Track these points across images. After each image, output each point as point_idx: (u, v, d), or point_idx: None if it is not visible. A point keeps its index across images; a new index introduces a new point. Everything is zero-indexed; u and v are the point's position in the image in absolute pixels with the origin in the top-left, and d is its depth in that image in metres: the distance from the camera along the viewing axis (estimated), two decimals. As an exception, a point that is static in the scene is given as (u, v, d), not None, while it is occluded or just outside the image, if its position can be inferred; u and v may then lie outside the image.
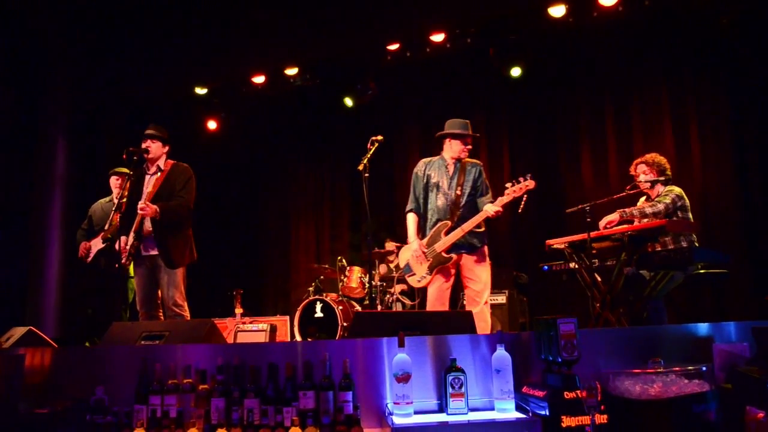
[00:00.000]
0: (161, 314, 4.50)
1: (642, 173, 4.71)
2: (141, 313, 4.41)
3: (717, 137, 6.39)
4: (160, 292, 4.43)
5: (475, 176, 4.39)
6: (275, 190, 8.86)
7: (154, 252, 4.32)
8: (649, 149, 5.44)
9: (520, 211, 4.18)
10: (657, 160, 4.69)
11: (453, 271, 4.34)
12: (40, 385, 3.07)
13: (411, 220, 4.50)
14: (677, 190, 4.58)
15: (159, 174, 4.46)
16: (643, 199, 4.85)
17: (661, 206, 4.42)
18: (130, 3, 7.18)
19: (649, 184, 4.65)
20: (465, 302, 4.40)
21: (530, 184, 4.14)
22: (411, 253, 4.42)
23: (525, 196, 4.17)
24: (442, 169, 4.44)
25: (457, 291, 5.04)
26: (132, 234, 4.32)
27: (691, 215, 4.54)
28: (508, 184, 4.23)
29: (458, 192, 4.32)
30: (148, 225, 4.31)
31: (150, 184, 4.46)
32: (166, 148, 4.57)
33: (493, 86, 7.54)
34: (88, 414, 2.72)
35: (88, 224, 5.54)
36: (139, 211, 4.23)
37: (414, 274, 4.43)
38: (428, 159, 4.55)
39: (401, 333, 2.70)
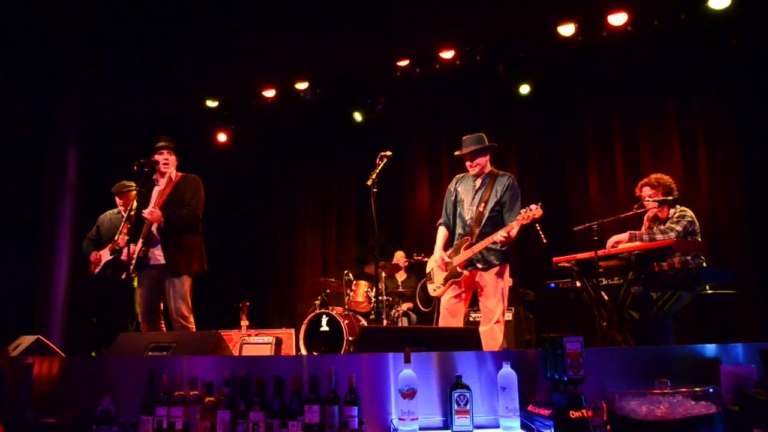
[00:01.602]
0: (163, 326, 4.52)
1: (647, 195, 4.68)
2: (143, 324, 4.42)
3: (725, 156, 6.39)
4: (163, 304, 4.45)
5: (501, 191, 4.34)
6: (283, 203, 8.90)
7: (161, 261, 4.36)
8: (657, 168, 5.45)
9: (545, 241, 4.12)
10: (662, 181, 4.66)
11: (465, 287, 4.34)
12: (47, 394, 3.09)
13: (440, 233, 4.57)
14: (689, 214, 4.53)
15: (169, 184, 4.52)
16: (649, 214, 4.80)
17: (673, 234, 4.37)
18: (143, 17, 7.28)
19: (656, 205, 4.63)
20: (480, 319, 4.39)
21: (537, 213, 4.07)
22: (434, 263, 4.48)
23: (538, 225, 4.14)
24: (469, 185, 4.47)
25: (472, 306, 5.04)
26: (140, 240, 4.37)
27: (699, 237, 4.53)
28: (523, 210, 4.18)
29: (481, 208, 4.31)
30: (156, 233, 4.35)
31: (159, 193, 4.52)
32: (176, 157, 4.65)
33: (502, 103, 7.57)
34: (95, 424, 2.73)
35: (96, 234, 5.58)
36: (146, 216, 4.29)
37: (433, 282, 4.51)
38: (461, 175, 4.59)
39: (407, 349, 2.70)
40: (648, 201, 4.66)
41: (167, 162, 4.56)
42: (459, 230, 4.42)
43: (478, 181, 4.44)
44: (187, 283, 4.37)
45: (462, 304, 4.36)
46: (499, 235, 4.09)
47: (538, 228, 4.14)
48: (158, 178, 4.63)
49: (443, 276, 4.38)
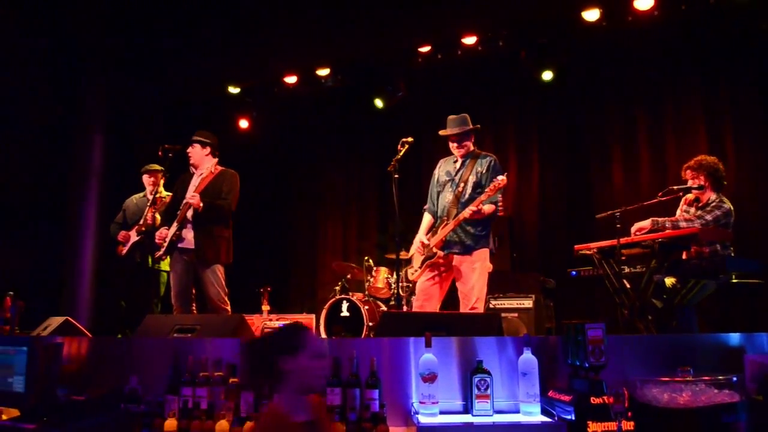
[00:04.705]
0: (194, 309, 4.63)
1: (689, 179, 4.50)
2: (175, 306, 4.52)
3: (753, 143, 6.26)
4: (195, 289, 4.54)
5: (482, 170, 4.27)
6: (304, 189, 8.94)
7: (190, 247, 4.45)
8: (682, 155, 5.35)
9: (500, 214, 4.13)
10: (704, 163, 4.44)
11: (443, 269, 4.28)
12: (76, 373, 3.18)
13: (425, 218, 4.53)
14: (727, 205, 4.36)
15: (208, 175, 4.61)
16: (689, 197, 4.58)
17: (698, 223, 4.23)
18: (167, 3, 7.33)
19: (681, 193, 4.51)
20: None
21: (502, 183, 3.99)
22: (413, 246, 4.45)
23: (500, 195, 4.10)
24: (450, 166, 4.43)
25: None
26: (175, 224, 4.48)
27: (731, 231, 4.40)
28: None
29: (460, 188, 4.27)
30: (190, 219, 4.45)
31: (198, 182, 4.61)
32: (207, 150, 4.69)
33: (524, 89, 7.49)
34: (123, 402, 2.80)
35: (122, 218, 5.68)
36: (189, 200, 4.39)
37: (412, 266, 4.49)
38: (446, 158, 4.54)
39: (428, 333, 2.72)
40: (689, 186, 4.43)
41: (190, 154, 4.66)
42: (440, 213, 4.38)
43: (458, 163, 4.39)
44: (220, 271, 4.48)
45: (437, 288, 4.28)
46: (468, 210, 4.04)
47: (500, 199, 4.11)
48: (195, 166, 4.72)
49: (421, 259, 4.35)
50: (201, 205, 4.37)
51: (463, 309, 4.15)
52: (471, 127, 4.35)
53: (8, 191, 6.90)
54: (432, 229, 4.40)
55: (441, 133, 4.41)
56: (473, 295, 4.13)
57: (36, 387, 2.56)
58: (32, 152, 7.12)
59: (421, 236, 4.41)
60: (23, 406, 2.62)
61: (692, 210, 4.50)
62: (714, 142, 6.45)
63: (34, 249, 7.08)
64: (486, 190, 4.05)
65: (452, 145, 4.38)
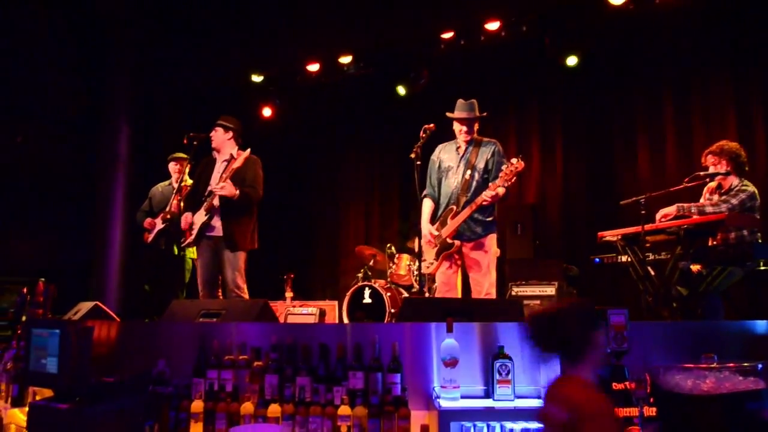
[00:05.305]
0: (221, 295, 4.70)
1: (711, 165, 4.45)
2: (202, 292, 4.60)
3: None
4: (221, 275, 4.62)
5: (488, 157, 4.26)
6: (326, 176, 8.98)
7: (219, 234, 4.50)
8: (710, 140, 5.24)
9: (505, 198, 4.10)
10: (726, 148, 4.40)
11: (456, 257, 4.28)
12: (106, 356, 3.28)
13: (426, 205, 4.44)
14: (752, 189, 4.31)
15: (232, 160, 4.58)
16: (711, 185, 4.57)
17: (724, 207, 4.19)
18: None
19: (708, 179, 4.46)
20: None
21: (519, 166, 3.97)
22: (423, 239, 4.38)
23: (514, 178, 4.05)
24: (452, 153, 4.39)
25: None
26: (203, 212, 4.52)
27: (758, 214, 4.35)
28: (504, 167, 4.11)
29: (467, 176, 4.23)
30: (216, 203, 4.48)
31: (223, 169, 4.60)
32: (229, 134, 4.71)
33: (548, 75, 7.40)
34: (151, 384, 2.88)
35: (148, 206, 5.78)
36: (218, 191, 4.39)
37: (425, 260, 4.40)
38: (444, 143, 4.48)
39: (449, 318, 2.74)
40: (711, 169, 4.41)
41: (213, 137, 4.70)
42: (445, 200, 4.32)
43: (462, 149, 4.36)
44: (242, 256, 4.52)
45: (455, 276, 4.31)
46: (486, 195, 4.02)
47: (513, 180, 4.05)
48: (217, 151, 4.75)
49: (434, 251, 4.30)
50: (237, 193, 4.39)
51: (476, 296, 4.16)
52: (479, 114, 4.35)
53: (38, 179, 7.07)
54: (438, 217, 4.36)
55: (452, 115, 4.36)
56: (487, 281, 4.16)
57: (68, 368, 2.64)
58: (61, 141, 7.29)
59: (428, 226, 4.34)
60: (57, 386, 2.71)
61: (715, 197, 4.44)
62: (743, 127, 6.31)
63: (64, 235, 7.25)
64: (501, 174, 4.03)
65: (461, 129, 4.35)
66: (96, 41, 7.41)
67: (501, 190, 4.06)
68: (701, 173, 4.47)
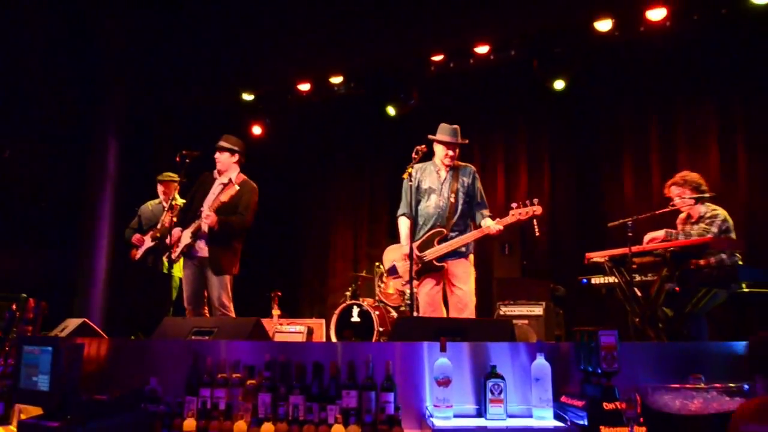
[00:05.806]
0: (207, 312, 4.68)
1: (676, 195, 4.66)
2: (188, 310, 4.59)
3: (765, 152, 6.27)
4: (206, 292, 4.60)
5: (468, 182, 4.40)
6: (316, 195, 9.02)
7: (204, 255, 4.52)
8: (694, 164, 5.39)
9: (537, 235, 4.17)
10: (688, 178, 4.64)
11: (439, 276, 4.37)
12: (95, 373, 3.25)
13: (404, 224, 4.49)
14: (722, 213, 4.50)
15: (229, 185, 4.58)
16: (681, 216, 4.79)
17: (709, 236, 4.35)
18: (184, 10, 7.45)
19: (692, 202, 4.59)
20: (450, 309, 4.36)
21: (537, 209, 4.10)
22: (400, 256, 4.45)
23: (534, 221, 4.15)
24: (433, 175, 4.46)
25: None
26: (189, 234, 4.52)
27: (734, 235, 4.49)
28: (514, 205, 4.22)
29: (452, 199, 4.33)
30: (204, 229, 4.50)
31: (219, 193, 4.59)
32: (235, 157, 4.72)
33: (536, 98, 7.54)
34: (143, 402, 2.86)
35: (137, 223, 5.77)
36: (204, 219, 4.42)
37: (400, 277, 4.49)
38: (421, 164, 4.50)
39: (443, 338, 2.77)
40: (677, 200, 4.61)
41: (219, 160, 4.70)
42: (426, 222, 4.38)
43: (443, 172, 4.44)
44: (228, 278, 4.55)
45: (440, 295, 4.38)
46: (494, 228, 4.16)
47: (535, 222, 4.15)
48: (217, 174, 4.75)
49: (414, 270, 4.29)
50: (216, 226, 4.42)
51: (459, 314, 4.21)
52: (461, 140, 4.45)
53: (25, 195, 7.01)
54: (419, 237, 4.39)
55: (444, 139, 4.42)
56: (471, 298, 4.26)
57: (59, 386, 2.62)
58: (49, 157, 7.24)
59: (407, 245, 4.35)
60: (47, 404, 2.68)
61: (694, 227, 4.56)
62: (726, 152, 6.47)
63: (50, 251, 7.18)
64: (518, 212, 4.14)
65: (448, 153, 4.41)
66: (86, 57, 7.42)
67: (500, 226, 4.19)
68: (683, 198, 4.58)
